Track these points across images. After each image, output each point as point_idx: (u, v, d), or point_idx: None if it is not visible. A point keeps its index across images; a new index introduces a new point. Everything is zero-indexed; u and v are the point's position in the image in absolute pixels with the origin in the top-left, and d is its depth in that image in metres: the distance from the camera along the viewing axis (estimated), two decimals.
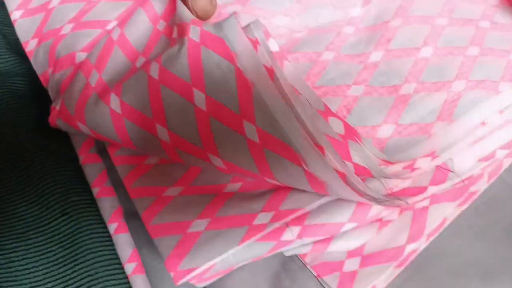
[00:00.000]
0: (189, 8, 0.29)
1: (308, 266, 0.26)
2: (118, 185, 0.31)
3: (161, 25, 0.30)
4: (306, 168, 0.23)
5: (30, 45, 0.33)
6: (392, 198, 0.25)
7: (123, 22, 0.31)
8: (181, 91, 0.25)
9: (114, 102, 0.27)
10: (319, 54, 0.31)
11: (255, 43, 0.25)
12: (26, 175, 0.31)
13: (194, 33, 0.26)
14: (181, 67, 0.25)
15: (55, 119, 0.30)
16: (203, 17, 0.29)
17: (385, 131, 0.29)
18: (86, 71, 0.29)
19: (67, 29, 0.32)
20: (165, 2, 0.31)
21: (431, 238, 0.27)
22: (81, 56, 0.31)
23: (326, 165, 0.23)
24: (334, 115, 0.26)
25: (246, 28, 0.26)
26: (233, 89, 0.24)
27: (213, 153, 0.25)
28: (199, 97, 0.25)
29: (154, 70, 0.26)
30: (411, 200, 0.26)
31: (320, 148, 0.23)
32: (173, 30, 0.28)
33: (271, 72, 0.24)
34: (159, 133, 0.26)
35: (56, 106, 0.30)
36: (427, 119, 0.29)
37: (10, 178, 0.31)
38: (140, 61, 0.29)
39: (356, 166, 0.25)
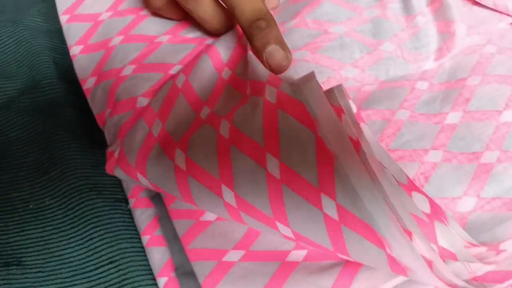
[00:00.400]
0: (263, 62, 0.27)
1: None
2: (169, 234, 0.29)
3: (226, 74, 0.29)
4: (389, 252, 0.21)
5: (88, 83, 0.32)
6: (477, 285, 0.23)
7: (187, 68, 0.29)
8: (253, 154, 0.24)
9: (179, 158, 0.25)
10: (393, 112, 0.30)
11: (339, 111, 0.23)
12: (73, 215, 0.30)
13: (270, 94, 0.24)
14: (255, 129, 0.24)
15: (113, 167, 0.29)
16: (277, 72, 0.28)
17: (467, 204, 0.27)
18: (148, 120, 0.28)
19: (128, 70, 0.31)
20: (230, 48, 0.29)
21: None
22: (142, 101, 0.29)
23: (413, 252, 0.21)
24: (418, 189, 0.24)
25: (328, 93, 0.24)
26: (312, 159, 0.22)
27: (283, 223, 0.24)
28: (272, 163, 0.23)
29: (225, 129, 0.25)
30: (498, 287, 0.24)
31: (408, 233, 0.21)
32: (247, 86, 0.27)
33: (357, 145, 0.22)
34: (224, 195, 0.25)
35: (114, 153, 0.29)
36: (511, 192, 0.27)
37: (56, 217, 0.30)
38: (205, 112, 0.27)
39: (441, 249, 0.23)
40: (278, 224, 0.24)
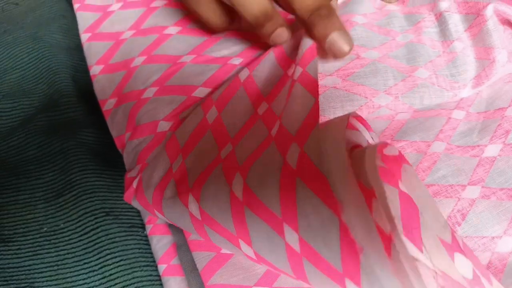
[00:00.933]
0: (324, 51, 0.28)
1: None
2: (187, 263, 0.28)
3: (262, 108, 0.27)
4: None
5: (108, 104, 0.31)
6: None
7: (221, 101, 0.28)
8: (269, 221, 0.21)
9: (193, 205, 0.24)
10: (428, 144, 0.28)
11: (369, 194, 0.18)
12: (88, 240, 0.29)
13: (291, 155, 0.21)
14: (270, 198, 0.21)
15: (131, 198, 0.28)
16: (340, 57, 0.28)
17: (506, 245, 0.25)
18: (172, 153, 0.27)
19: (150, 93, 0.30)
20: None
21: None
22: (163, 125, 0.28)
23: None
24: (461, 251, 0.21)
25: (358, 164, 0.19)
26: (336, 245, 0.19)
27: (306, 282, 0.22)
28: (291, 236, 0.20)
29: (238, 187, 0.22)
30: None
31: None
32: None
33: (387, 242, 0.18)
34: (243, 248, 0.23)
35: (133, 182, 0.28)
36: None
37: (70, 241, 0.29)
38: (226, 150, 0.26)
39: None
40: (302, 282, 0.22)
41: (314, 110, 0.21)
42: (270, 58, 0.29)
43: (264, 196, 0.21)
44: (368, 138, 0.22)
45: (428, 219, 0.18)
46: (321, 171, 0.19)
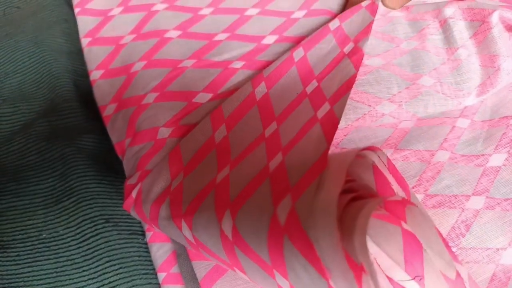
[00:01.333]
0: None
1: None
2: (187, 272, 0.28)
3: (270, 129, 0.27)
4: None
5: (108, 110, 0.31)
6: None
7: (232, 120, 0.28)
8: (260, 264, 0.21)
9: (187, 232, 0.24)
10: (432, 153, 0.28)
11: (359, 270, 0.17)
12: (87, 247, 0.29)
13: (283, 207, 0.20)
14: (259, 246, 0.20)
15: (130, 207, 0.28)
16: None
17: (511, 256, 0.25)
18: (174, 171, 0.27)
19: (150, 98, 0.30)
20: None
21: None
22: (164, 132, 0.28)
23: None
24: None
25: (348, 239, 0.18)
26: None
27: None
28: (282, 282, 0.20)
29: (227, 227, 0.21)
30: None
31: None
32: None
33: None
34: (238, 272, 0.23)
35: (133, 191, 0.27)
36: None
37: (69, 247, 0.29)
38: (224, 172, 0.25)
39: None
40: None
41: (322, 159, 0.20)
42: (291, 75, 0.28)
43: (252, 243, 0.20)
44: (375, 158, 0.22)
45: (432, 256, 0.18)
46: (308, 236, 0.18)
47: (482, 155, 0.28)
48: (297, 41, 0.33)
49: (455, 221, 0.25)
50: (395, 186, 0.21)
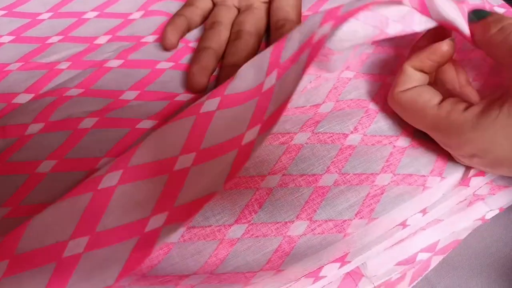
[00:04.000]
0: None
1: None
2: None
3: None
4: None
5: None
6: None
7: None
8: None
9: None
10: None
11: None
12: None
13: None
14: None
15: None
16: None
17: (298, 228, 0.27)
18: None
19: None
20: None
21: None
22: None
23: None
24: None
25: None
26: None
27: None
28: None
29: None
30: None
31: None
32: None
33: None
34: None
35: None
36: (344, 214, 0.28)
37: None
38: None
39: None
40: None
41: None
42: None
43: None
44: None
45: None
46: None
47: (288, 133, 0.31)
48: (130, 40, 0.35)
49: (249, 200, 0.28)
50: None
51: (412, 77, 0.29)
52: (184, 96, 0.32)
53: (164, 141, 0.25)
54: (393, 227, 0.27)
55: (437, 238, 0.29)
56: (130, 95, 0.32)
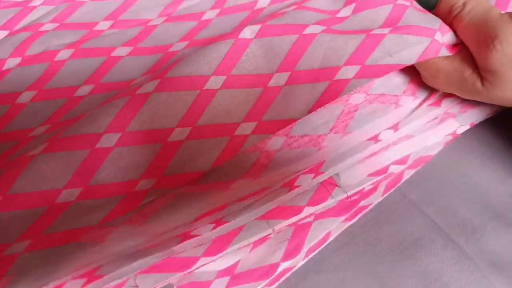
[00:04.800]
0: None
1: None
2: None
3: None
4: None
5: None
6: (261, 223, 0.26)
7: None
8: None
9: None
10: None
11: None
12: None
13: None
14: None
15: None
16: None
17: (275, 143, 0.29)
18: None
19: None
20: None
21: (311, 255, 0.28)
22: None
23: None
24: None
25: None
26: None
27: None
28: None
29: None
30: (282, 224, 0.26)
31: None
32: None
33: None
34: None
35: None
36: (319, 130, 0.29)
37: None
38: None
39: None
40: None
41: None
42: None
43: None
44: None
45: None
46: None
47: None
48: None
49: None
50: None
51: None
52: (158, 20, 0.33)
53: (163, 111, 0.26)
54: (366, 141, 0.29)
55: (408, 152, 0.30)
56: (104, 25, 0.33)
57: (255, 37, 0.27)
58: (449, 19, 0.28)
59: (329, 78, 0.25)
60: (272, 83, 0.26)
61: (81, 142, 0.24)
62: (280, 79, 0.26)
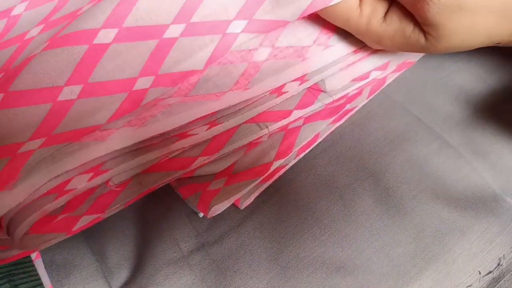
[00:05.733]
0: None
1: (175, 190, 0.29)
2: None
3: None
4: None
5: None
6: (252, 126, 0.27)
7: None
8: None
9: None
10: None
11: None
12: None
13: None
14: None
15: None
16: None
17: (261, 54, 0.30)
18: None
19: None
20: None
21: (302, 154, 0.30)
22: None
23: None
24: None
25: None
26: None
27: None
28: None
29: None
30: (272, 126, 0.28)
31: None
32: None
33: None
34: None
35: None
36: (304, 41, 0.30)
37: None
38: None
39: None
40: None
41: None
42: None
43: None
44: None
45: None
46: None
47: None
48: None
49: None
50: None
51: None
52: None
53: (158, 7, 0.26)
54: (347, 54, 0.30)
55: (387, 60, 0.32)
56: None
57: None
58: None
59: None
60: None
61: (79, 38, 0.25)
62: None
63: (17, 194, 0.23)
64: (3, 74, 0.27)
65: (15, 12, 0.30)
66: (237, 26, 0.27)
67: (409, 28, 0.26)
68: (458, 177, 0.28)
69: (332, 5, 0.26)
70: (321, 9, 0.26)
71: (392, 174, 0.28)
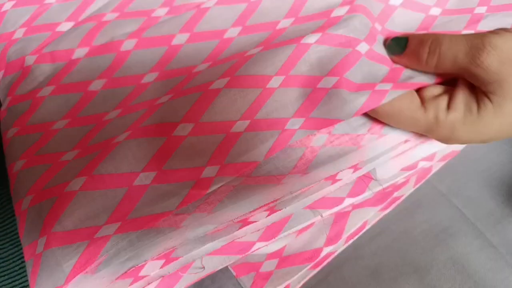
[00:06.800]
0: None
1: (229, 267, 0.31)
2: None
3: None
4: None
5: None
6: (306, 212, 0.29)
7: None
8: None
9: None
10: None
11: None
12: None
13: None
14: None
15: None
16: None
17: (318, 140, 0.32)
18: None
19: (19, 33, 0.35)
20: None
21: (351, 241, 0.31)
22: (29, 59, 0.34)
23: None
24: None
25: None
26: None
27: None
28: None
29: None
30: (325, 213, 0.29)
31: None
32: None
33: None
34: None
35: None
36: (359, 130, 0.32)
37: None
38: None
39: None
40: None
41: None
42: None
43: None
44: None
45: None
46: None
47: None
48: None
49: None
50: None
51: None
52: (210, 3, 0.35)
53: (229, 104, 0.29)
54: (399, 143, 0.32)
55: (434, 151, 0.33)
56: (160, 12, 0.36)
57: (315, 43, 0.30)
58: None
59: (371, 88, 0.28)
60: (320, 85, 0.29)
61: (162, 130, 0.28)
62: (327, 82, 0.29)
63: (100, 280, 0.25)
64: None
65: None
66: (295, 123, 0.29)
67: (474, 105, 0.26)
68: (498, 279, 0.30)
69: (396, 113, 0.28)
70: (388, 119, 0.28)
71: (436, 272, 0.30)
